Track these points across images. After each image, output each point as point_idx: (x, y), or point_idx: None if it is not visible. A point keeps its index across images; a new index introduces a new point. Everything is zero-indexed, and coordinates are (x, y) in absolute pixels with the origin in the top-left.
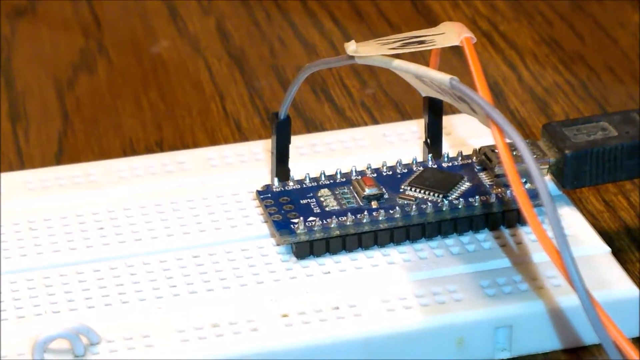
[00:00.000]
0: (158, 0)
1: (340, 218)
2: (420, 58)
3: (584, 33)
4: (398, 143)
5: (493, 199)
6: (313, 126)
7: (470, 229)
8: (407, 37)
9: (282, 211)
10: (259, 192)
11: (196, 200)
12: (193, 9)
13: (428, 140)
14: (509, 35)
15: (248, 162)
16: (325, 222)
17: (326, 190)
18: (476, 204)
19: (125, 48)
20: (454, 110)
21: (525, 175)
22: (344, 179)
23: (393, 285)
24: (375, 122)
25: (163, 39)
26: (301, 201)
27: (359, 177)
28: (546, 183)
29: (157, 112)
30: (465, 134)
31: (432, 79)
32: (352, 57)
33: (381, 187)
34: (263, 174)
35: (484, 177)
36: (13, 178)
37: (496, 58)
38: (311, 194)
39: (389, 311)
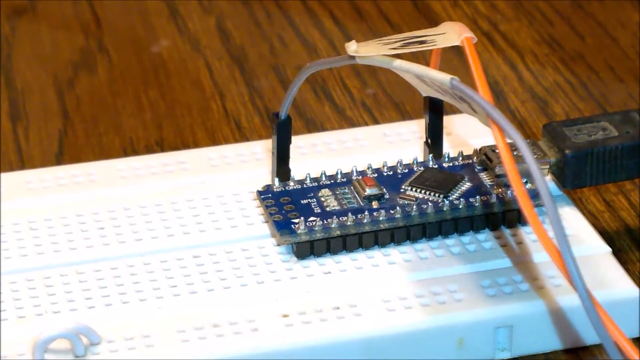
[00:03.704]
0: None
1: (340, 218)
2: (421, 58)
3: (584, 32)
4: (399, 143)
5: (494, 199)
6: (313, 126)
7: (471, 229)
8: (408, 37)
9: (283, 211)
10: (259, 192)
11: (196, 200)
12: (193, 8)
13: (429, 140)
14: (509, 35)
15: (249, 162)
16: (325, 222)
17: (327, 190)
18: (477, 204)
19: (125, 47)
20: (454, 110)
21: (526, 175)
22: (345, 179)
23: (393, 285)
24: (375, 122)
25: (163, 38)
26: (302, 201)
27: (360, 177)
28: (547, 183)
29: (157, 111)
30: (465, 133)
31: (432, 79)
32: (352, 57)
33: (382, 187)
34: (264, 174)
35: (484, 177)
36: (13, 178)
37: (496, 58)
38: (312, 194)
39: (390, 311)
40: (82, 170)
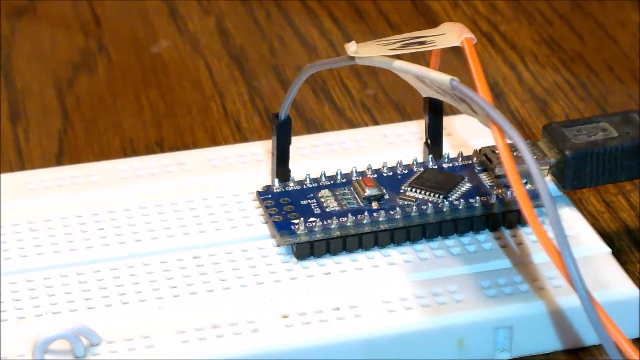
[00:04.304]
0: None
1: (340, 219)
2: (421, 59)
3: (583, 33)
4: (398, 144)
5: (493, 200)
6: (313, 127)
7: (470, 229)
8: (408, 37)
9: (283, 212)
10: (259, 193)
11: (196, 200)
12: (193, 8)
13: (428, 140)
14: (509, 36)
15: (248, 162)
16: (325, 222)
17: (327, 191)
18: (477, 205)
19: (125, 47)
20: (454, 111)
21: (526, 175)
22: (345, 180)
23: (393, 285)
24: (375, 122)
25: (163, 38)
26: (302, 202)
27: (360, 177)
28: (546, 184)
29: (157, 111)
30: (465, 134)
31: (432, 80)
32: (352, 58)
33: (382, 187)
34: (263, 175)
35: (484, 177)
36: (13, 178)
37: (496, 58)
38: (312, 195)
39: (390, 312)
40: (81, 170)
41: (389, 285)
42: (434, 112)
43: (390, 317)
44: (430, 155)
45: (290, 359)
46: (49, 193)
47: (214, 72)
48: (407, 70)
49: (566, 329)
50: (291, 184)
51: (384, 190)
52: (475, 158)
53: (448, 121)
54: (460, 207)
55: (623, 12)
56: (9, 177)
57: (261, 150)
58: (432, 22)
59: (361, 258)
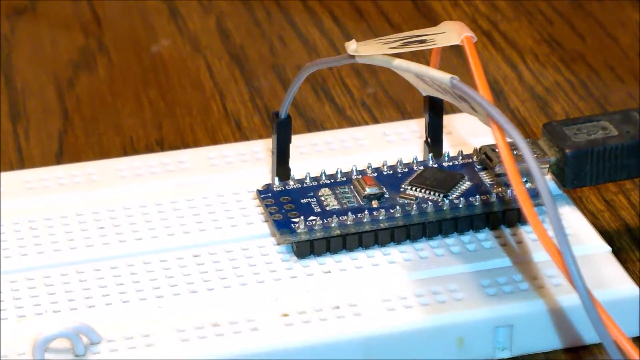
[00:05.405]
0: None
1: (340, 217)
2: (421, 57)
3: (584, 32)
4: (398, 142)
5: (494, 198)
6: (313, 125)
7: (470, 228)
8: (408, 36)
9: (283, 210)
10: (259, 192)
11: (196, 199)
12: (193, 7)
13: (428, 139)
14: (509, 35)
15: (249, 161)
16: (325, 221)
17: (327, 189)
18: (477, 203)
19: (125, 47)
20: (454, 110)
21: (526, 174)
22: (345, 179)
23: (393, 284)
24: (375, 121)
25: (163, 37)
26: (302, 200)
27: (360, 176)
28: (547, 182)
29: (157, 111)
30: (465, 133)
31: (432, 78)
32: (352, 57)
33: (382, 186)
34: (264, 173)
35: (484, 176)
36: (13, 177)
37: (497, 57)
38: (312, 194)
39: (390, 310)
40: (82, 169)
41: (389, 283)
42: (434, 111)
43: (390, 315)
44: (431, 154)
45: (290, 358)
46: (49, 192)
47: (214, 72)
48: (407, 68)
49: (566, 327)
50: (291, 183)
51: (384, 189)
52: (475, 156)
53: (448, 120)
54: (461, 206)
55: (623, 11)
56: (9, 176)
57: (261, 149)
58: (433, 21)
59: (361, 257)
